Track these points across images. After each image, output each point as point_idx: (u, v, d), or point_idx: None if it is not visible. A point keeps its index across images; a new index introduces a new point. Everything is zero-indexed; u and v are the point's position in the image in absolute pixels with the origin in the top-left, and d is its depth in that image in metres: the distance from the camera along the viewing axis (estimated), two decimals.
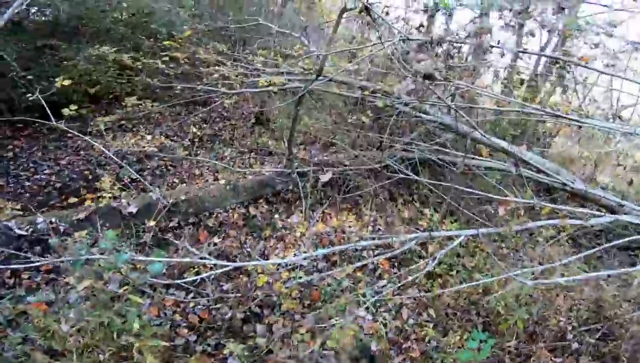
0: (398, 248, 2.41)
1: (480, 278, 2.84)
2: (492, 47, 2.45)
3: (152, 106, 4.70)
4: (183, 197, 3.00)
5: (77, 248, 1.69)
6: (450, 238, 3.01)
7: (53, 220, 2.74)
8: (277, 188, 3.70)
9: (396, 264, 3.46)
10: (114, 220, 2.84)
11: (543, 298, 2.73)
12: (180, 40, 4.46)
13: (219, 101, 5.06)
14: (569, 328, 2.65)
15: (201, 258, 1.90)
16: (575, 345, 2.54)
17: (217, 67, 4.50)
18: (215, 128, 6.02)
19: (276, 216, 3.75)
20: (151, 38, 4.82)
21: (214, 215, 3.55)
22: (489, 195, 2.55)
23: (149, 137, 4.48)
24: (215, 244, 3.35)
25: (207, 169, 4.59)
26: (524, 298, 2.68)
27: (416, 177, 3.28)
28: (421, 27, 4.09)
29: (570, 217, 2.68)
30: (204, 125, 5.75)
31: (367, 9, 2.59)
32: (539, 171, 3.64)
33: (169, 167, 4.58)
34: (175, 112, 5.95)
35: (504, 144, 3.12)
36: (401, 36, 2.08)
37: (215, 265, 2.34)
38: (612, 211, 3.28)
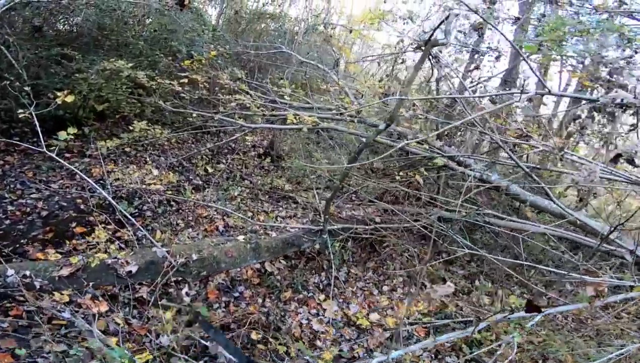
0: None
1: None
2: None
3: (161, 133, 4.23)
4: (195, 257, 2.44)
5: None
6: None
7: (27, 273, 2.14)
8: (302, 247, 3.17)
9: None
10: (107, 279, 2.25)
11: None
12: (201, 62, 4.07)
13: (239, 134, 4.62)
14: None
15: None
16: None
17: (237, 96, 4.10)
18: (223, 160, 5.53)
19: (297, 275, 3.20)
20: (170, 57, 4.42)
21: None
22: (585, 277, 2.10)
23: (155, 172, 3.94)
24: (226, 306, 2.76)
25: (215, 211, 4.05)
26: None
27: (469, 245, 2.81)
28: (476, 69, 3.79)
29: None
30: (213, 159, 5.25)
31: (433, 46, 2.22)
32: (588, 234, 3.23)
33: (172, 203, 4.02)
34: (182, 139, 5.47)
35: (578, 213, 2.70)
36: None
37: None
38: None
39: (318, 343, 2.63)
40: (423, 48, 2.17)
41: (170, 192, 4.00)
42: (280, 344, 2.38)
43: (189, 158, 5.01)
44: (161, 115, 5.20)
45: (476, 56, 3.89)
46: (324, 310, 2.92)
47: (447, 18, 1.87)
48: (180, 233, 3.43)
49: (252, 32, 6.16)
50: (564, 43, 2.76)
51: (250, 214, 4.14)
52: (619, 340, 2.77)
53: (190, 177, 4.60)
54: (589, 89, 3.27)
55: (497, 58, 3.75)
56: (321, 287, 3.18)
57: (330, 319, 2.81)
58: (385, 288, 3.37)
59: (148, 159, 4.53)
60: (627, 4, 3.38)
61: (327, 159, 5.30)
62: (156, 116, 5.05)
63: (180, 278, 2.54)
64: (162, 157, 4.81)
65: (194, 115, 4.04)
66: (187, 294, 2.73)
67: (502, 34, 1.76)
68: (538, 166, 2.78)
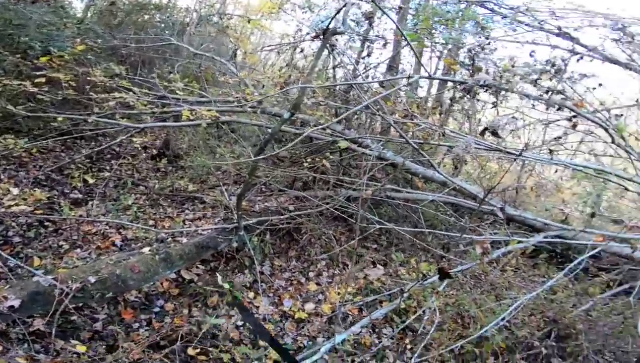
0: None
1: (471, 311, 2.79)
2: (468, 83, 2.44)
3: (15, 144, 3.43)
4: (93, 279, 2.07)
5: None
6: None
7: None
8: (219, 247, 2.99)
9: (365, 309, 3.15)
10: None
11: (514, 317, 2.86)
12: (63, 58, 3.41)
13: (123, 137, 4.03)
14: (535, 337, 2.85)
15: None
16: (544, 351, 2.73)
17: (116, 94, 3.58)
18: (107, 167, 4.80)
19: (219, 278, 3.01)
20: (18, 55, 3.58)
21: None
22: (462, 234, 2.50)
23: (14, 190, 3.18)
24: (148, 324, 2.44)
25: (108, 225, 3.51)
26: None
27: (379, 221, 3.08)
28: (367, 56, 4.06)
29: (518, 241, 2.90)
30: (94, 167, 4.50)
31: (325, 33, 2.31)
32: (466, 197, 3.87)
33: (47, 223, 3.33)
34: (47, 148, 4.53)
35: (458, 180, 3.19)
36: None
37: None
38: (538, 231, 3.65)
39: (260, 342, 2.56)
40: (321, 37, 2.22)
41: (41, 212, 3.31)
42: (221, 351, 2.24)
43: (59, 169, 4.19)
44: (13, 121, 4.21)
45: (367, 44, 4.20)
46: (257, 307, 2.84)
47: (343, 7, 1.95)
48: (66, 255, 2.89)
49: (132, 24, 5.41)
50: (434, 31, 3.20)
51: (152, 223, 3.72)
52: (510, 291, 3.40)
53: (66, 191, 3.87)
54: (453, 72, 3.87)
55: (384, 45, 4.11)
56: (248, 285, 3.08)
57: (265, 316, 2.76)
58: (311, 274, 3.44)
59: (2, 176, 3.64)
60: None
61: (231, 154, 5.08)
62: (6, 123, 4.07)
63: (81, 304, 2.14)
64: (22, 172, 3.93)
65: (59, 119, 3.38)
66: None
67: (394, 22, 1.93)
68: (422, 141, 3.18)
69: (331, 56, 3.75)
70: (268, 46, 5.38)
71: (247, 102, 3.22)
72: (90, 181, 4.10)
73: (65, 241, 3.12)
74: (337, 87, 4.08)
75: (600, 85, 3.86)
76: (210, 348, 2.24)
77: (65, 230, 3.27)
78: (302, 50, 3.97)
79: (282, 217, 3.20)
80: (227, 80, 3.80)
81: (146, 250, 2.59)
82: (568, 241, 2.99)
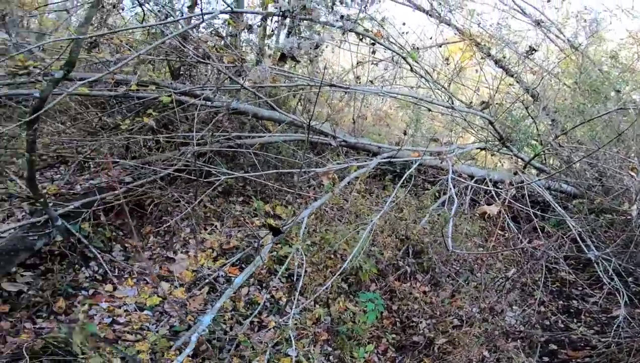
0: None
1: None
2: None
3: None
4: None
5: None
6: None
7: None
8: (35, 247, 2.43)
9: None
10: None
11: (375, 241, 3.21)
12: None
13: None
14: (397, 256, 3.26)
15: None
16: (407, 269, 3.16)
17: None
18: None
19: (58, 279, 2.51)
20: None
21: None
22: (313, 169, 2.65)
23: None
24: None
25: None
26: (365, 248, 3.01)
27: (223, 171, 2.98)
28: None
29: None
30: None
31: None
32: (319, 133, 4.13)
33: None
34: None
35: (294, 116, 3.28)
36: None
37: None
38: (375, 155, 4.20)
39: (142, 334, 2.30)
40: None
41: None
42: (92, 356, 1.93)
43: None
44: None
45: None
46: (120, 298, 2.51)
47: None
48: None
49: None
50: None
51: None
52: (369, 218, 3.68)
53: None
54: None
55: None
56: (99, 277, 2.67)
57: (137, 306, 2.47)
58: (177, 246, 3.19)
59: None
60: None
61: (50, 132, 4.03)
62: None
63: None
64: None
65: None
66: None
67: None
68: (258, 84, 3.12)
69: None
70: (48, 4, 4.22)
71: (24, 70, 2.51)
72: None
73: None
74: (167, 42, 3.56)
75: (404, 24, 4.45)
76: (80, 359, 1.91)
77: None
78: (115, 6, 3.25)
79: (116, 192, 2.77)
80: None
81: None
82: (395, 159, 3.46)
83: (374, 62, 4.33)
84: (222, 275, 3.07)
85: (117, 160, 3.10)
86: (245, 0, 5.12)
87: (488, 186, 3.41)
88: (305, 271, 2.67)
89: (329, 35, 2.27)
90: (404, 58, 2.78)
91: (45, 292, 2.47)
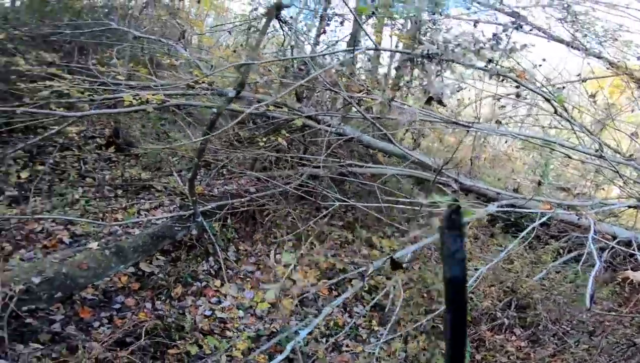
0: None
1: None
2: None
3: None
4: (37, 280, 1.93)
5: None
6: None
7: None
8: (177, 237, 2.88)
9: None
10: None
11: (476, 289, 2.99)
12: None
13: (60, 127, 3.71)
14: (497, 307, 3.00)
15: None
16: (506, 321, 2.84)
17: (48, 82, 3.27)
18: (50, 161, 4.44)
19: (182, 267, 2.93)
20: None
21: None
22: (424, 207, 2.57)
23: None
24: (110, 322, 2.33)
25: (54, 222, 3.27)
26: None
27: (338, 197, 3.10)
28: (323, 34, 3.95)
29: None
30: (33, 162, 4.14)
31: (278, 9, 2.24)
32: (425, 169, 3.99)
33: None
34: None
35: (416, 153, 3.26)
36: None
37: None
38: (492, 200, 3.85)
39: (228, 333, 2.54)
40: (274, 12, 2.13)
41: None
42: (191, 344, 2.20)
43: None
44: None
45: (324, 22, 4.09)
46: (225, 296, 2.80)
47: None
48: (10, 257, 2.67)
49: (67, 10, 4.91)
50: (392, 7, 3.16)
51: (101, 216, 3.52)
52: (470, 262, 3.50)
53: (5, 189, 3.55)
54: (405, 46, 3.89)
55: (342, 23, 4.03)
56: (213, 272, 3.02)
57: (233, 304, 2.73)
58: (278, 256, 3.43)
59: None
60: None
61: (186, 138, 4.86)
62: None
63: (33, 307, 2.00)
64: None
65: None
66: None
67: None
68: (379, 116, 3.20)
69: (287, 35, 3.64)
70: (220, 25, 5.11)
71: (197, 84, 3.06)
72: (25, 177, 3.78)
73: (8, 242, 2.88)
74: (294, 66, 3.99)
75: (544, 60, 4.05)
76: (179, 342, 2.20)
77: (8, 231, 3.01)
78: (249, 29, 3.81)
79: (243, 199, 3.13)
80: (173, 62, 3.56)
81: (94, 245, 2.45)
82: (519, 209, 3.14)
83: (498, 98, 4.05)
84: (312, 292, 3.16)
85: (246, 171, 3.50)
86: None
87: (635, 250, 2.83)
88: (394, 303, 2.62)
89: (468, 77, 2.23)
90: (549, 100, 2.52)
91: (170, 278, 2.88)
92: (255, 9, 4.07)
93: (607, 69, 4.54)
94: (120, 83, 3.23)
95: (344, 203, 2.77)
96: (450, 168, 3.96)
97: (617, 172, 3.64)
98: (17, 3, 5.50)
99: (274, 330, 2.73)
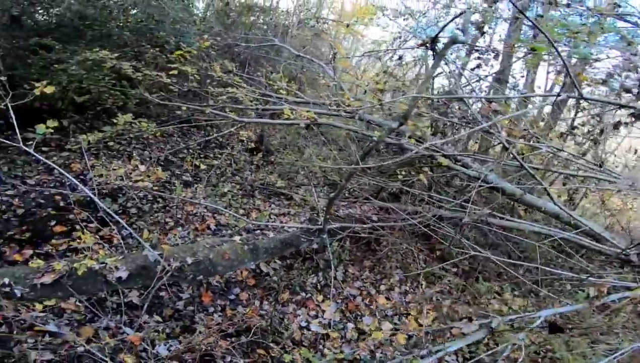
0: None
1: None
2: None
3: (147, 127, 4.01)
4: (190, 260, 2.29)
5: None
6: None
7: (6, 281, 1.94)
8: (300, 247, 3.07)
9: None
10: (95, 285, 2.08)
11: None
12: (191, 53, 3.87)
13: (230, 129, 4.45)
14: None
15: None
16: None
17: (229, 89, 3.93)
18: (211, 155, 5.33)
19: (295, 275, 3.10)
20: (157, 47, 4.18)
21: None
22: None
23: (142, 167, 3.72)
24: (222, 310, 2.63)
25: (206, 208, 3.88)
26: None
27: (474, 246, 2.80)
28: (478, 67, 3.75)
29: None
30: (201, 154, 5.05)
31: (433, 41, 2.16)
32: (584, 234, 3.28)
33: (159, 199, 3.82)
34: (168, 133, 5.24)
35: (576, 215, 2.72)
36: None
37: None
38: None
39: (319, 346, 2.56)
40: (428, 44, 2.10)
41: (156, 189, 3.81)
42: (285, 352, 2.28)
43: (174, 153, 4.80)
44: (146, 108, 4.94)
45: (476, 54, 3.88)
46: (323, 311, 2.84)
47: (461, 14, 1.79)
48: (170, 232, 3.27)
49: (241, 24, 5.94)
50: (556, 43, 2.73)
51: (242, 212, 4.01)
52: (607, 336, 2.81)
53: (178, 173, 4.40)
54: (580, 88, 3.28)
55: (496, 57, 3.74)
56: (319, 287, 3.10)
57: (330, 321, 2.74)
58: (382, 287, 3.33)
59: (134, 154, 4.30)
60: (620, 6, 3.43)
61: (318, 155, 5.20)
62: (140, 109, 4.79)
63: (172, 282, 2.39)
64: (147, 151, 4.59)
65: (183, 108, 3.84)
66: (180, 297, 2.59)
67: (534, 24, 1.69)
68: (539, 167, 2.78)
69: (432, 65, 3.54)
70: (368, 52, 5.36)
71: (343, 107, 3.23)
72: (200, 166, 4.60)
73: (171, 218, 3.53)
74: (437, 99, 3.86)
75: None
76: (272, 345, 2.29)
77: (172, 209, 3.71)
78: (400, 58, 3.84)
79: (364, 226, 3.13)
80: (327, 83, 3.87)
81: (237, 239, 2.77)
82: None
83: None
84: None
85: (371, 198, 3.51)
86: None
87: None
88: None
89: None
90: None
91: (282, 282, 3.04)
92: (400, 37, 4.10)
93: None
94: (281, 97, 3.68)
95: (477, 253, 2.48)
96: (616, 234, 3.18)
97: None
98: (208, 13, 6.81)
99: (357, 357, 2.60)
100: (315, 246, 3.10)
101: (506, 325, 2.61)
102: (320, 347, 2.51)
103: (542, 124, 3.27)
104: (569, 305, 2.34)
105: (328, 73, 4.24)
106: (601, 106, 3.83)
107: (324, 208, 3.22)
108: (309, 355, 2.38)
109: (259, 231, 3.34)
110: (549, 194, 2.59)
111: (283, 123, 3.38)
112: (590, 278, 2.16)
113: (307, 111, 3.30)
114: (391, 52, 4.23)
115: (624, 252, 2.29)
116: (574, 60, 4.14)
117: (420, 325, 2.77)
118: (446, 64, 3.37)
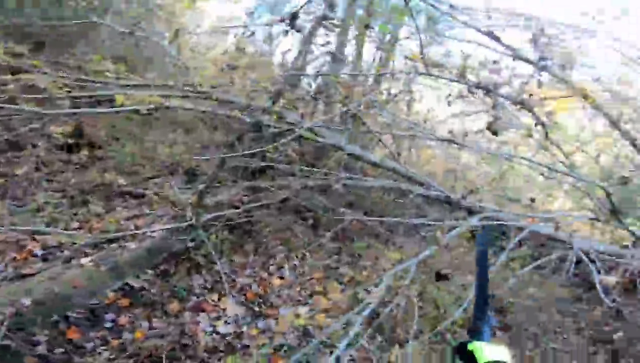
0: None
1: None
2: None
3: None
4: (27, 302, 1.66)
5: None
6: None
7: None
8: (173, 249, 2.67)
9: None
10: None
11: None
12: None
13: (31, 125, 3.30)
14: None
15: None
16: None
17: (21, 75, 2.92)
18: (2, 161, 3.93)
19: (176, 281, 2.71)
20: None
21: None
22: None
23: None
24: (105, 343, 2.05)
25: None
26: None
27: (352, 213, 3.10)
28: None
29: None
30: None
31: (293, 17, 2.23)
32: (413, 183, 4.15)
33: None
34: None
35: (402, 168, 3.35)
36: None
37: None
38: (474, 214, 4.07)
39: (237, 346, 2.39)
40: (288, 21, 2.11)
41: None
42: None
43: None
44: None
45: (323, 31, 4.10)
46: (224, 309, 2.62)
47: None
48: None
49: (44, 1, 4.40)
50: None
51: (76, 225, 3.16)
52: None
53: None
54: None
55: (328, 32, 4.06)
56: (208, 286, 2.83)
57: (235, 318, 2.57)
58: (272, 268, 3.31)
59: None
60: None
61: (163, 142, 4.55)
62: None
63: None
64: None
65: None
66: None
67: None
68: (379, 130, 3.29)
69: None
70: (223, 27, 4.93)
71: (195, 88, 2.90)
72: None
73: None
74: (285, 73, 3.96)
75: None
76: (189, 361, 2.01)
77: None
78: (252, 34, 3.71)
79: (238, 211, 2.99)
80: (168, 63, 3.37)
81: (85, 261, 2.18)
82: (507, 223, 3.33)
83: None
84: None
85: (238, 180, 3.37)
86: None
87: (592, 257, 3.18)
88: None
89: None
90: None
91: (163, 293, 2.65)
92: (252, 13, 3.98)
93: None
94: (107, 81, 2.96)
95: (357, 219, 2.76)
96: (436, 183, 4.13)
97: (580, 188, 4.05)
98: None
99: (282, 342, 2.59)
100: (191, 245, 2.76)
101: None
102: (239, 346, 2.33)
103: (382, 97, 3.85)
104: (427, 251, 2.86)
105: (169, 52, 3.69)
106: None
107: (191, 202, 2.91)
108: (238, 360, 2.18)
109: (115, 245, 2.71)
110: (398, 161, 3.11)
111: (121, 110, 2.76)
112: (443, 222, 2.71)
113: (150, 95, 2.82)
114: (242, 28, 4.00)
115: (463, 197, 2.98)
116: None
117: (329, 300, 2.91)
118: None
